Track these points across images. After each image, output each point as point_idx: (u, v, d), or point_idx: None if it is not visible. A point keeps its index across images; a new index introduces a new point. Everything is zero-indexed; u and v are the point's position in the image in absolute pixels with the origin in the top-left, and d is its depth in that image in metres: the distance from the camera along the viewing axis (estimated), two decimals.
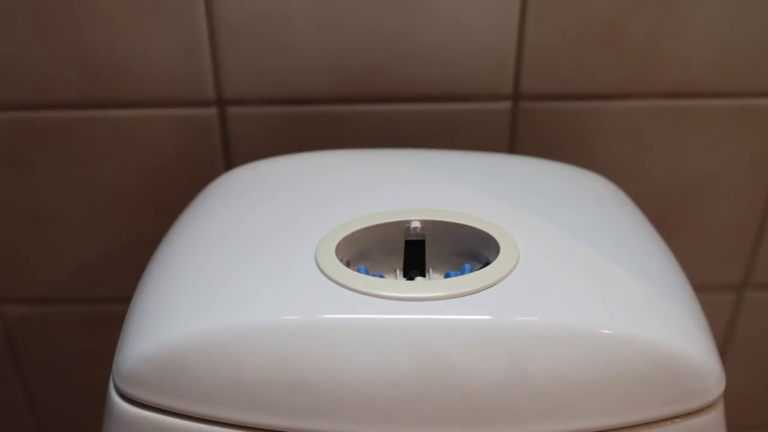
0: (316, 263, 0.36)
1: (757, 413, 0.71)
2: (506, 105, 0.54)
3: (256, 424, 0.33)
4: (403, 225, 0.39)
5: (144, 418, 0.34)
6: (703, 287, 0.46)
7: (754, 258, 0.61)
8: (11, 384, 0.67)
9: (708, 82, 0.53)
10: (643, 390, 0.33)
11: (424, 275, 0.39)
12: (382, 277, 0.36)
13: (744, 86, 0.54)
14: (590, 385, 0.33)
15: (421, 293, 0.33)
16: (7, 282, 0.61)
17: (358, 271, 0.37)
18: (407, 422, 0.33)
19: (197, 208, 0.44)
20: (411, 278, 0.39)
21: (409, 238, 0.39)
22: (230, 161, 0.56)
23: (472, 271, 0.37)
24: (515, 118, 0.54)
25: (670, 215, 0.59)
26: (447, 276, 0.37)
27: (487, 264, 0.36)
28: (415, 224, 0.39)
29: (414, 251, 0.40)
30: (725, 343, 0.66)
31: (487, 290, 0.34)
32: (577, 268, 0.36)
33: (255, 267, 0.36)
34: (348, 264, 0.38)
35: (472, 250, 0.39)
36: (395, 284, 0.34)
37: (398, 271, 0.39)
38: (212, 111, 0.54)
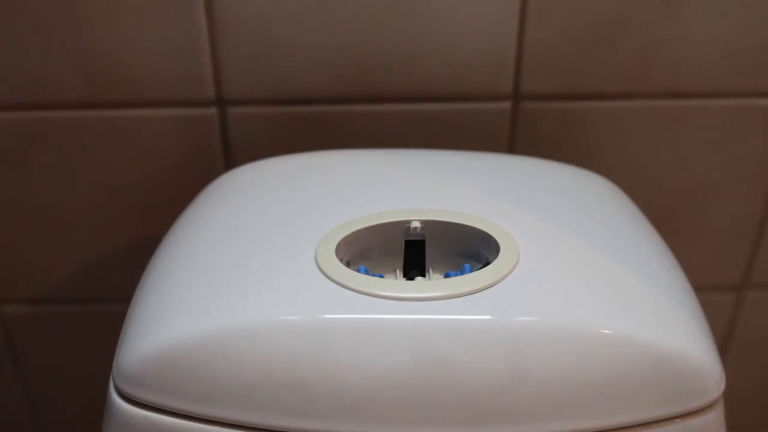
0: (316, 263, 0.36)
1: (757, 413, 0.71)
2: (506, 105, 0.54)
3: (256, 424, 0.33)
4: (403, 225, 0.39)
5: (144, 418, 0.34)
6: (703, 287, 0.46)
7: (754, 258, 0.61)
8: (11, 384, 0.67)
9: (708, 82, 0.53)
10: (643, 390, 0.33)
11: (424, 275, 0.39)
12: (382, 277, 0.36)
13: (744, 86, 0.54)
14: (590, 385, 0.33)
15: (421, 293, 0.33)
16: (7, 282, 0.61)
17: (358, 271, 0.37)
18: (407, 422, 0.33)
19: (197, 208, 0.44)
20: (411, 278, 0.39)
21: (409, 238, 0.39)
22: (230, 161, 0.56)
23: (472, 271, 0.37)
24: (515, 118, 0.54)
25: (670, 215, 0.59)
26: (447, 276, 0.37)
27: (487, 264, 0.36)
28: (415, 224, 0.39)
29: (414, 251, 0.40)
30: (725, 343, 0.66)
31: (487, 290, 0.34)
32: (577, 268, 0.36)
33: (255, 267, 0.36)
34: (348, 264, 0.38)
35: (472, 250, 0.39)
36: (395, 284, 0.34)
37: (398, 271, 0.39)
38: (212, 111, 0.54)
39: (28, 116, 0.54)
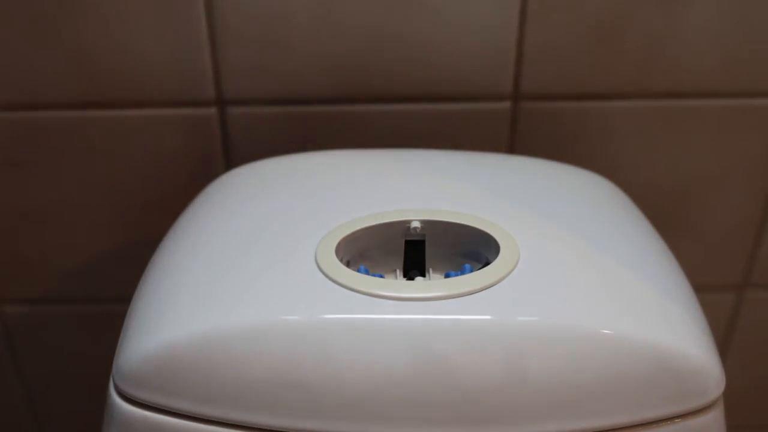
0: (316, 263, 0.36)
1: (757, 413, 0.71)
2: (506, 105, 0.54)
3: (256, 424, 0.33)
4: (403, 225, 0.39)
5: (144, 418, 0.34)
6: (703, 287, 0.46)
7: (754, 258, 0.61)
8: (11, 384, 0.67)
9: (708, 82, 0.53)
10: (643, 390, 0.33)
11: (424, 275, 0.39)
12: (382, 277, 0.36)
13: (744, 86, 0.54)
14: (590, 385, 0.33)
15: (421, 293, 0.33)
16: (7, 282, 0.61)
17: (358, 271, 0.37)
18: (407, 422, 0.33)
19: (197, 208, 0.44)
20: (411, 278, 0.39)
21: (409, 238, 0.39)
22: (230, 161, 0.56)
23: (472, 271, 0.37)
24: (515, 118, 0.54)
25: (671, 215, 0.59)
26: (447, 276, 0.37)
27: (487, 264, 0.36)
28: (415, 224, 0.39)
29: (414, 251, 0.40)
30: (725, 343, 0.66)
31: (487, 290, 0.34)
32: (576, 268, 0.36)
33: (255, 267, 0.36)
34: (348, 264, 0.38)
35: (472, 250, 0.39)
36: (395, 284, 0.34)
37: (398, 271, 0.39)
38: (212, 111, 0.54)
39: (28, 116, 0.54)
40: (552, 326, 0.33)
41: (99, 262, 0.60)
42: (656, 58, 0.52)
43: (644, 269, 0.38)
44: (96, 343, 0.64)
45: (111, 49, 0.51)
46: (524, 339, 0.32)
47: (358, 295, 0.34)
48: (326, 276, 0.35)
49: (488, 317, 0.33)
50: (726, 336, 0.66)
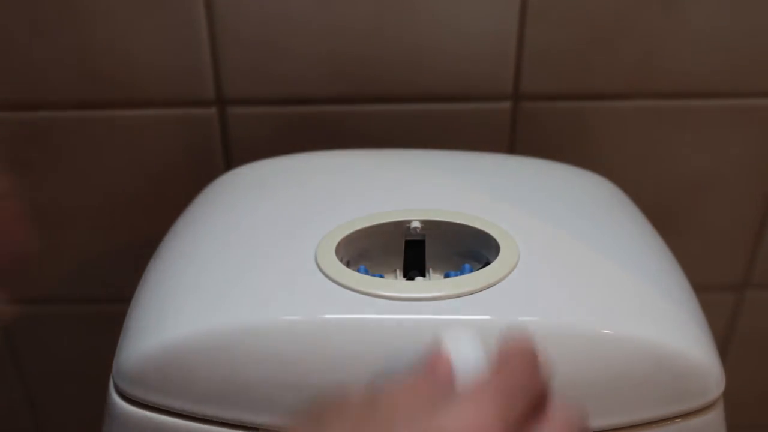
0: (316, 263, 0.36)
1: (757, 413, 0.71)
2: (506, 105, 0.54)
3: (256, 424, 0.33)
4: (403, 225, 0.39)
5: (144, 418, 0.34)
6: (703, 287, 0.46)
7: (754, 258, 0.61)
8: (11, 384, 0.67)
9: (708, 82, 0.53)
10: (643, 390, 0.33)
11: (424, 275, 0.39)
12: (382, 277, 0.36)
13: (744, 86, 0.54)
14: (590, 385, 0.33)
15: (421, 293, 0.33)
16: (7, 282, 0.61)
17: (358, 271, 0.37)
18: None
19: (197, 208, 0.44)
20: (411, 278, 0.39)
21: (409, 238, 0.39)
22: (230, 161, 0.56)
23: (472, 271, 0.37)
24: (515, 118, 0.54)
25: (670, 215, 0.59)
26: (447, 276, 0.37)
27: (487, 264, 0.36)
28: (415, 224, 0.39)
29: (414, 251, 0.40)
30: (725, 343, 0.66)
31: (487, 290, 0.34)
32: (577, 268, 0.36)
33: (255, 267, 0.36)
34: (348, 264, 0.38)
35: (472, 250, 0.39)
36: (395, 284, 0.34)
37: (398, 271, 0.39)
38: (212, 111, 0.54)
39: (28, 116, 0.54)
40: (552, 326, 0.33)
41: (99, 262, 0.60)
42: (656, 58, 0.52)
43: (644, 269, 0.38)
44: (96, 343, 0.64)
45: (112, 50, 0.51)
46: None
47: (358, 295, 0.34)
48: (326, 276, 0.35)
49: (488, 317, 0.33)
50: (726, 336, 0.66)
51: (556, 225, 0.40)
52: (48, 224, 0.59)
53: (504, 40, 0.51)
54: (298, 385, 0.32)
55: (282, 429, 0.25)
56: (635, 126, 0.55)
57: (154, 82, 0.53)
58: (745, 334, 0.65)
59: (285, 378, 0.32)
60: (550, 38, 0.51)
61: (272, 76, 0.53)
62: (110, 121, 0.54)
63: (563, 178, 0.47)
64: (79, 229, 0.59)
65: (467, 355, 0.28)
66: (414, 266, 0.39)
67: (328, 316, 0.33)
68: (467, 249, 0.39)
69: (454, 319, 0.33)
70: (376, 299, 0.33)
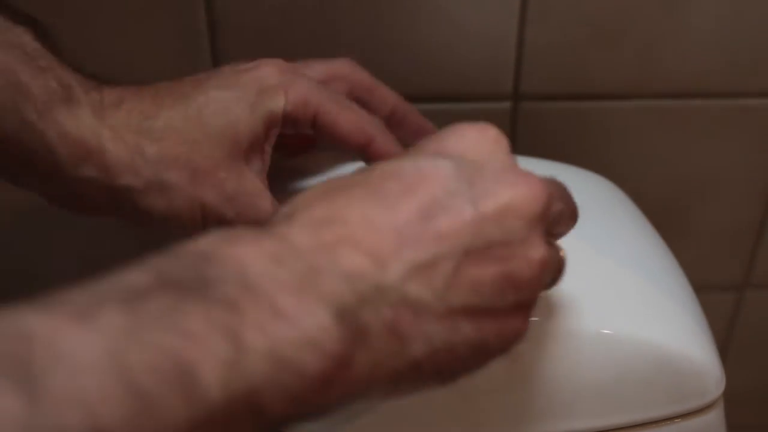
0: None
1: (757, 413, 0.71)
2: (506, 105, 0.54)
3: None
4: None
5: None
6: (703, 287, 0.46)
7: (754, 258, 0.61)
8: None
9: (708, 82, 0.53)
10: (643, 390, 0.33)
11: None
12: None
13: (744, 86, 0.54)
14: (590, 385, 0.33)
15: None
16: (7, 282, 0.61)
17: None
18: (407, 422, 0.33)
19: None
20: None
21: None
22: None
23: None
24: (515, 118, 0.54)
25: (670, 215, 0.59)
26: None
27: None
28: None
29: None
30: (725, 343, 0.66)
31: None
32: (576, 268, 0.36)
33: None
34: None
35: None
36: None
37: None
38: None
39: None
40: (552, 326, 0.33)
41: (99, 263, 0.60)
42: (656, 58, 0.52)
43: (644, 269, 0.38)
44: None
45: (111, 50, 0.51)
46: (524, 339, 0.32)
47: None
48: None
49: None
50: (726, 336, 0.66)
51: None
52: (48, 224, 0.58)
53: (504, 40, 0.51)
54: None
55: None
56: (635, 126, 0.55)
57: (154, 81, 0.52)
58: (745, 334, 0.65)
59: None
60: (550, 38, 0.51)
61: None
62: None
63: (563, 178, 0.47)
64: (79, 229, 0.59)
65: None
66: None
67: None
68: None
69: None
70: None
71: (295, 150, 0.45)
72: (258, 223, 0.28)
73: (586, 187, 0.46)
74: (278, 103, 0.36)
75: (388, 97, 0.43)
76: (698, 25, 0.51)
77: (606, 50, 0.52)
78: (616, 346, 0.33)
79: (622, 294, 0.36)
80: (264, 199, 0.35)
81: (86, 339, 0.18)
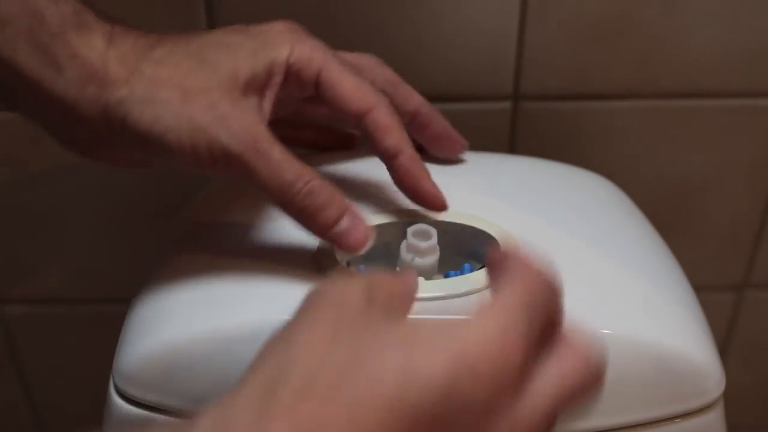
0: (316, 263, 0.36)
1: (757, 413, 0.71)
2: (506, 105, 0.54)
3: None
4: (404, 225, 0.39)
5: (144, 418, 0.34)
6: (703, 287, 0.46)
7: (754, 258, 0.61)
8: (11, 384, 0.67)
9: (708, 82, 0.53)
10: (643, 390, 0.33)
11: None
12: None
13: (744, 86, 0.54)
14: None
15: (421, 293, 0.33)
16: (7, 282, 0.61)
17: (358, 271, 0.37)
18: None
19: (197, 209, 0.44)
20: None
21: None
22: None
23: (472, 271, 0.37)
24: (515, 118, 0.54)
25: (671, 215, 0.59)
26: (447, 276, 0.37)
27: None
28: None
29: None
30: (725, 343, 0.66)
31: (488, 290, 0.34)
32: (576, 268, 0.36)
33: (255, 267, 0.36)
34: (348, 264, 0.38)
35: (472, 250, 0.39)
36: None
37: (398, 271, 0.39)
38: None
39: None
40: None
41: (99, 262, 0.60)
42: (656, 58, 0.52)
43: (644, 269, 0.38)
44: (96, 343, 0.64)
45: None
46: None
47: None
48: (326, 276, 0.35)
49: None
50: (726, 336, 0.66)
51: (556, 225, 0.40)
52: (48, 224, 0.59)
53: (504, 39, 0.51)
54: None
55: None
56: (635, 126, 0.55)
57: None
58: (745, 334, 0.65)
59: None
60: (551, 38, 0.51)
61: None
62: None
63: (563, 178, 0.47)
64: (79, 230, 0.59)
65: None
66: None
67: None
68: (467, 249, 0.39)
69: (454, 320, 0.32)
70: None
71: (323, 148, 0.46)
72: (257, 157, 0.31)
73: (586, 188, 0.46)
74: (282, 53, 0.36)
75: (411, 96, 0.43)
76: (698, 25, 0.51)
77: (606, 50, 0.52)
78: (616, 346, 0.33)
79: (622, 294, 0.36)
80: (260, 128, 0.34)
81: None
